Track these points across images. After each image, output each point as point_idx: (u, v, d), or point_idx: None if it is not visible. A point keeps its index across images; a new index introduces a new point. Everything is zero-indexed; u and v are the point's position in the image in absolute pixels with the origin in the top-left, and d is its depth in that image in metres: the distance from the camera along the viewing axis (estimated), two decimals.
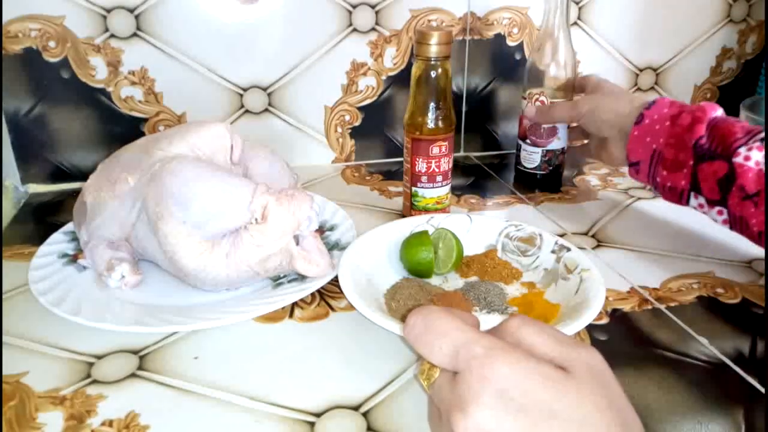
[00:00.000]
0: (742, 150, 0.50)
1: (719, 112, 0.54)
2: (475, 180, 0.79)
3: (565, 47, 0.69)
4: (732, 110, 0.67)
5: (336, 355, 0.44)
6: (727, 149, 0.50)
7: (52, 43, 0.68)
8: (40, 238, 0.58)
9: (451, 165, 0.62)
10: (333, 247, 0.57)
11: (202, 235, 0.47)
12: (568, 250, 0.53)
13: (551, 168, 0.74)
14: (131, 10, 0.69)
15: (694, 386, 0.41)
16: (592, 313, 0.43)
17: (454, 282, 0.54)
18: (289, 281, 0.52)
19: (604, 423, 0.25)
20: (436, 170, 0.61)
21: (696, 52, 0.91)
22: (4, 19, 0.66)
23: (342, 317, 0.49)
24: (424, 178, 0.61)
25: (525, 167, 0.75)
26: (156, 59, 0.72)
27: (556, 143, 0.72)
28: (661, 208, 0.68)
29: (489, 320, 0.48)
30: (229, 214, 0.47)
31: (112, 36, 0.70)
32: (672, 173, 0.55)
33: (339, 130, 0.82)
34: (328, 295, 0.52)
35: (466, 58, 0.82)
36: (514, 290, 0.52)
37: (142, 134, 0.75)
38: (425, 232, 0.54)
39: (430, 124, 0.59)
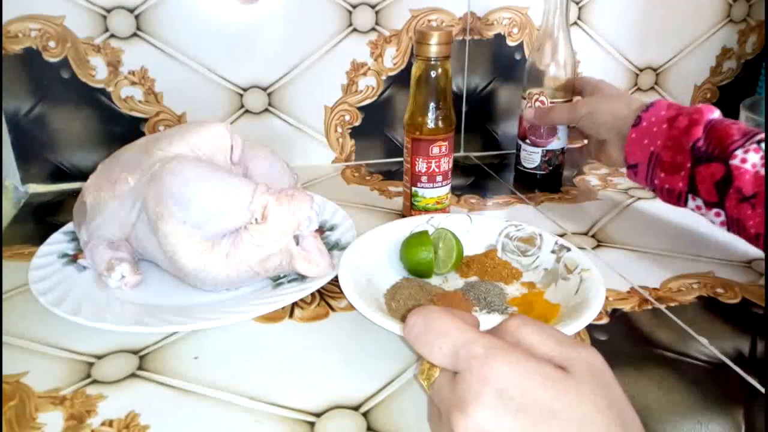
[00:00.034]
0: (739, 152, 0.50)
1: (716, 114, 0.54)
2: (475, 180, 0.79)
3: (565, 47, 0.69)
4: (732, 110, 0.67)
5: (336, 355, 0.44)
6: (724, 151, 0.51)
7: (52, 43, 0.68)
8: (40, 238, 0.58)
9: (451, 165, 0.62)
10: (333, 247, 0.57)
11: (202, 235, 0.47)
12: (568, 250, 0.53)
13: (551, 168, 0.74)
14: (131, 10, 0.69)
15: (694, 386, 0.41)
16: (592, 313, 0.43)
17: (454, 282, 0.54)
18: (289, 281, 0.52)
19: (603, 423, 0.25)
20: (436, 170, 0.61)
21: (696, 52, 0.91)
22: (4, 19, 0.66)
23: (342, 317, 0.49)
24: (424, 178, 0.61)
25: (525, 167, 0.75)
26: (156, 59, 0.72)
27: (556, 143, 0.72)
28: (661, 208, 0.68)
29: (489, 320, 0.48)
30: (229, 214, 0.47)
31: (112, 36, 0.70)
32: (669, 175, 0.55)
33: (339, 130, 0.82)
34: (328, 295, 0.52)
35: (466, 58, 0.82)
36: (514, 290, 0.52)
37: (142, 134, 0.75)
38: (425, 232, 0.54)
39: (430, 124, 0.59)
